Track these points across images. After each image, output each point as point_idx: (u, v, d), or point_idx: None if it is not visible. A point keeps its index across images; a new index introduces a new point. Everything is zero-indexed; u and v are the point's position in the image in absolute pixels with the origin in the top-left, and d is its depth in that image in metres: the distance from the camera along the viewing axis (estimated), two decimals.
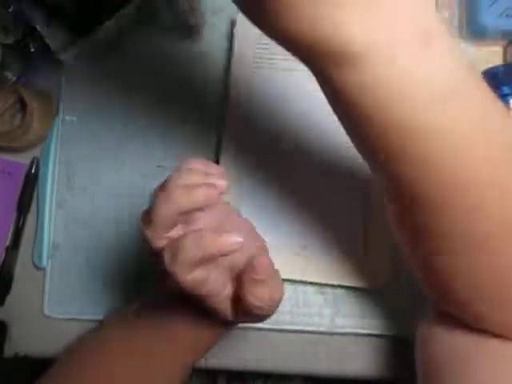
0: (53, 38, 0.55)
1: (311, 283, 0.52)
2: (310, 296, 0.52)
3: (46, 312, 0.55)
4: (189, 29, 0.55)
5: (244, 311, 0.37)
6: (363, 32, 0.25)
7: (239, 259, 0.37)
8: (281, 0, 0.24)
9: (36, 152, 0.59)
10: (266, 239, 0.52)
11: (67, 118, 0.59)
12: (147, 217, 0.36)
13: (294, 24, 0.25)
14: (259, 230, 0.52)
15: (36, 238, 0.57)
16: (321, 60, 0.27)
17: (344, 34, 0.25)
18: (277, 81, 0.54)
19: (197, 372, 0.52)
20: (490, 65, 0.49)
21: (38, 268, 0.56)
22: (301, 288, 0.52)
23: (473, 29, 0.54)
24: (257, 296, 0.36)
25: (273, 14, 0.25)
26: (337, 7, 0.24)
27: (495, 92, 0.48)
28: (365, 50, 0.25)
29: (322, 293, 0.52)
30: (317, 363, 0.52)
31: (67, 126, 0.59)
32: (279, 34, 0.27)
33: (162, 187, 0.36)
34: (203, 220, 0.37)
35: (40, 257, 0.56)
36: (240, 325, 0.49)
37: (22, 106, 0.58)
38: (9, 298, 0.57)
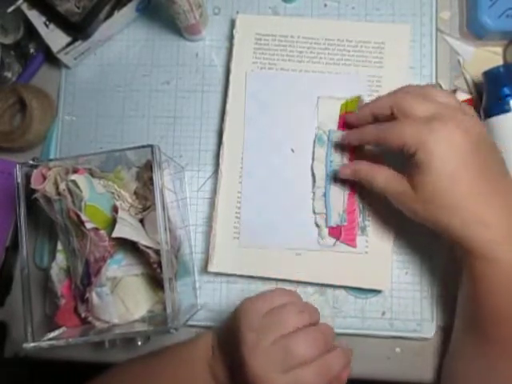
0: (52, 38, 0.55)
1: (311, 284, 0.52)
2: (311, 297, 0.52)
3: (48, 312, 0.55)
4: (189, 28, 0.55)
5: None
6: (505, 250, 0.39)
7: None
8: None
9: (36, 152, 0.60)
10: (267, 240, 0.52)
11: (67, 117, 0.59)
12: None
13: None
14: (260, 231, 0.52)
15: (37, 238, 0.57)
16: (463, 250, 0.41)
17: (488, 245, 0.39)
18: (277, 81, 0.54)
19: None
20: (490, 65, 0.49)
21: (39, 268, 0.56)
22: (301, 289, 0.53)
23: (473, 29, 0.54)
24: None
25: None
26: (485, 228, 0.39)
27: (496, 93, 0.48)
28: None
29: (322, 293, 0.53)
30: None
31: (67, 125, 0.59)
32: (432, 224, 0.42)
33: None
34: None
35: (41, 257, 0.56)
36: None
37: (22, 106, 0.58)
38: (9, 299, 0.57)
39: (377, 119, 0.46)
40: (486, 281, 0.40)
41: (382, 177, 0.44)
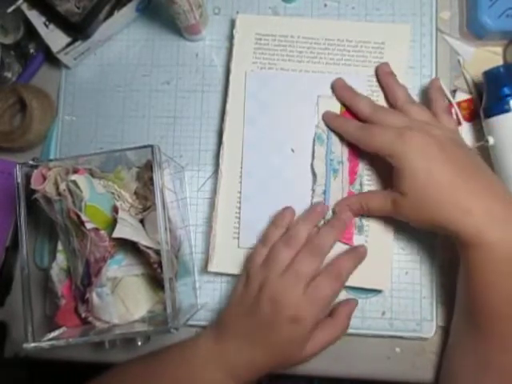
0: (52, 38, 0.55)
1: None
2: None
3: (48, 312, 0.55)
4: (189, 28, 0.55)
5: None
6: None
7: None
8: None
9: (36, 152, 0.60)
10: None
11: (67, 117, 0.59)
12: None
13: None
14: (260, 231, 0.52)
15: (37, 238, 0.57)
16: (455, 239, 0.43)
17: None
18: (277, 81, 0.54)
19: None
20: (490, 65, 0.49)
21: (39, 268, 0.56)
22: None
23: (473, 29, 0.54)
24: None
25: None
26: (468, 214, 0.41)
27: (496, 93, 0.48)
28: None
29: None
30: (317, 363, 0.52)
31: (67, 125, 0.59)
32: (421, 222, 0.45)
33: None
34: None
35: (41, 257, 0.56)
36: None
37: (22, 106, 0.58)
38: (9, 299, 0.57)
39: None
40: (479, 271, 0.42)
41: (374, 201, 0.48)
